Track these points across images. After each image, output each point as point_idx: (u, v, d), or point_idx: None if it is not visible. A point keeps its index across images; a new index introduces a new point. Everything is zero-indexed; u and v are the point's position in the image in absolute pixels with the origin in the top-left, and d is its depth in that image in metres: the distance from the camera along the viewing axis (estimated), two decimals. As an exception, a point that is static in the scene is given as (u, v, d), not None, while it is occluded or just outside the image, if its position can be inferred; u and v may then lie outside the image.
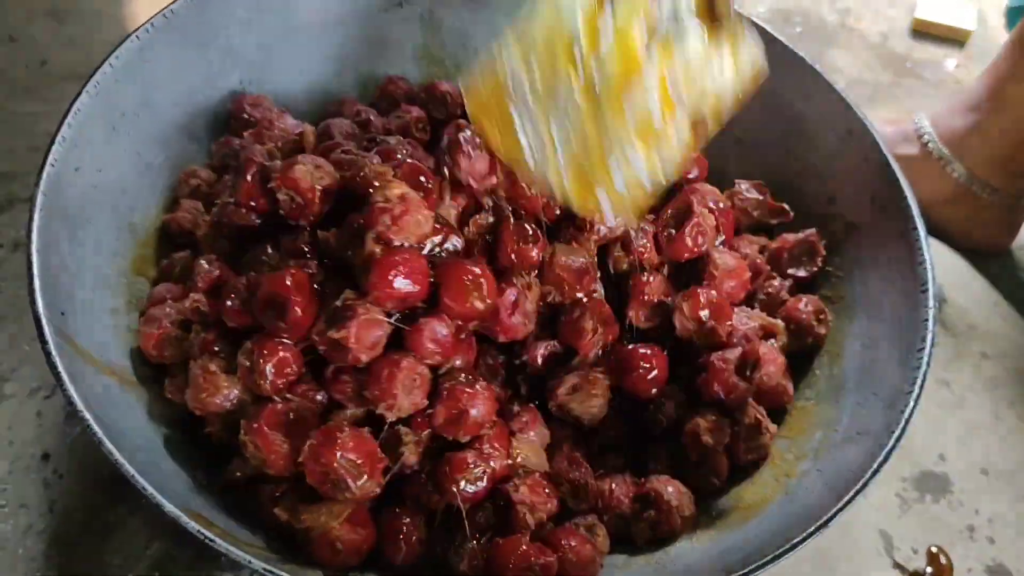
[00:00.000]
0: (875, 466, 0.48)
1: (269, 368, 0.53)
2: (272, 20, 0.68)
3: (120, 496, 0.66)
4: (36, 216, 0.51)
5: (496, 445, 0.55)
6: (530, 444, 0.57)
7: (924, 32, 1.19)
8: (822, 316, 0.65)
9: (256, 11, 0.67)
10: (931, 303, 0.55)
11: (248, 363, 0.53)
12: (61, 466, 0.68)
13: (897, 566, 0.69)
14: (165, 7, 0.61)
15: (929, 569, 0.69)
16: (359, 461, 0.50)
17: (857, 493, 0.47)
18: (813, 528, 0.46)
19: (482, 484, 0.54)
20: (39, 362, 0.73)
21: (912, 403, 0.51)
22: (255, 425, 0.52)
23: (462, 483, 0.53)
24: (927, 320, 0.54)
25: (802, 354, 0.65)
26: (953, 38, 1.18)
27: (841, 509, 0.47)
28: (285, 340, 0.54)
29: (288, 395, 0.54)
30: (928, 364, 0.52)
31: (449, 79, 0.75)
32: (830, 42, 1.17)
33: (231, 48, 0.66)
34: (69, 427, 0.70)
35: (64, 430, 0.70)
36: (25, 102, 0.96)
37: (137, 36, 0.59)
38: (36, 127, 0.93)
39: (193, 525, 0.44)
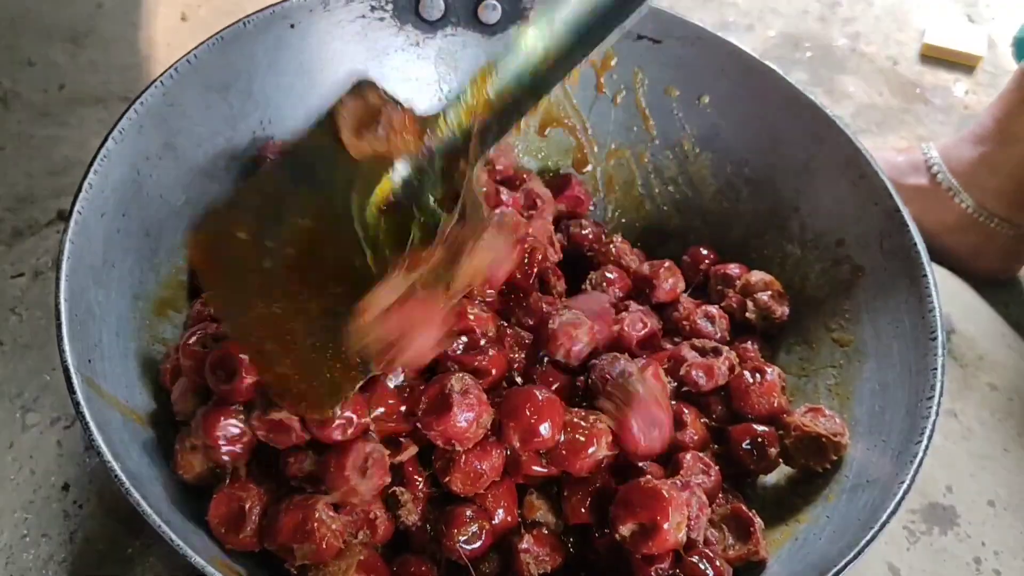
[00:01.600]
0: (884, 518, 0.49)
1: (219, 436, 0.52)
2: (290, 60, 0.69)
3: (139, 528, 0.67)
4: (64, 265, 0.51)
5: (502, 502, 0.54)
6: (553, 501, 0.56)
7: (934, 57, 1.20)
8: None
9: (275, 51, 0.68)
10: (940, 352, 0.56)
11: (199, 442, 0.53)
12: (81, 496, 0.69)
13: (905, 600, 0.70)
14: (189, 52, 0.62)
15: (936, 603, 0.69)
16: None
17: (867, 544, 0.48)
18: (824, 579, 0.47)
19: (479, 542, 0.53)
20: (59, 391, 0.75)
21: (921, 454, 0.51)
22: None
23: (461, 539, 0.52)
24: (936, 369, 0.55)
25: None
26: (963, 63, 1.19)
27: (852, 560, 0.48)
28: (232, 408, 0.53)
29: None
30: (937, 414, 0.53)
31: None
32: (840, 67, 1.18)
33: (251, 89, 0.67)
34: (89, 457, 0.71)
35: (84, 460, 0.71)
36: (43, 126, 0.97)
37: (161, 81, 0.60)
38: (54, 151, 0.94)
39: (220, 576, 0.44)
